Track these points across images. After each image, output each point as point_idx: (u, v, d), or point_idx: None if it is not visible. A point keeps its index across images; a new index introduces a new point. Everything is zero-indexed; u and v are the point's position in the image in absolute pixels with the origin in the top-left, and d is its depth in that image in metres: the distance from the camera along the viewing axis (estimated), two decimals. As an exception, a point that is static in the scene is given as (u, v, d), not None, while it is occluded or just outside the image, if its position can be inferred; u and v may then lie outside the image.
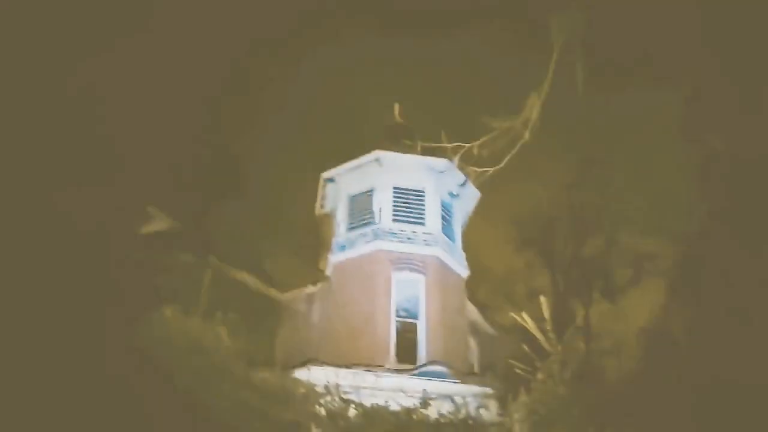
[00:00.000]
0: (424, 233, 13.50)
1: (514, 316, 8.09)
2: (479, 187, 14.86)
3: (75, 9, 10.81)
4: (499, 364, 11.55)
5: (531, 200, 17.66)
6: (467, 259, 14.28)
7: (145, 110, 12.89)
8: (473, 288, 14.84)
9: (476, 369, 13.19)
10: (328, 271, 13.54)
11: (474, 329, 13.79)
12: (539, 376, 7.42)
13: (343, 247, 13.59)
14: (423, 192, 13.90)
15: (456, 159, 13.62)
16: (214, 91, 14.78)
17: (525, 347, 7.79)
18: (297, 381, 9.96)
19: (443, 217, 14.01)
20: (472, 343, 13.71)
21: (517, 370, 7.82)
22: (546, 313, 7.71)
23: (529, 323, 7.71)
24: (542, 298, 7.66)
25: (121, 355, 8.06)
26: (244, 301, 13.35)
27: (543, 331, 7.62)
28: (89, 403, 7.16)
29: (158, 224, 12.27)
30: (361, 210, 13.83)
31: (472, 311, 14.06)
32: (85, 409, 7.11)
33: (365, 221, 13.62)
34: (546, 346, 7.56)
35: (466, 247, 14.61)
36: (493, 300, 16.38)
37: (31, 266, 8.07)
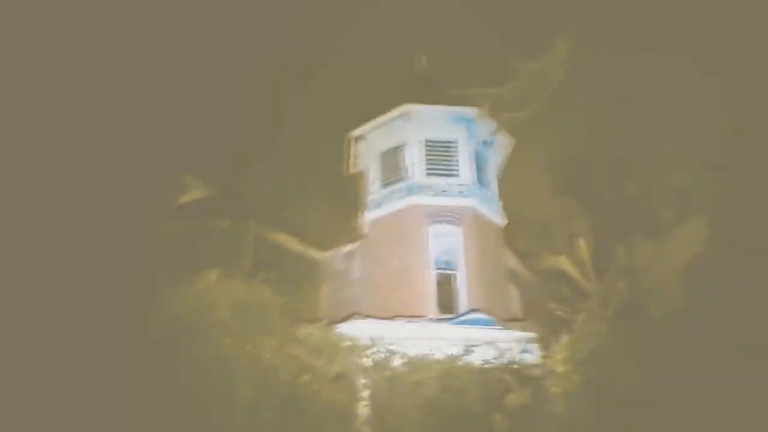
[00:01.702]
0: (458, 185, 13.41)
1: (554, 259, 8.03)
2: (513, 133, 14.60)
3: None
4: (540, 308, 11.55)
5: (566, 144, 17.21)
6: (504, 207, 14.16)
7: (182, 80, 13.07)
8: (512, 236, 14.75)
9: (518, 315, 13.24)
10: (365, 229, 13.67)
11: (514, 276, 13.76)
12: (581, 316, 7.39)
13: (378, 204, 13.66)
14: (455, 143, 13.72)
15: (486, 106, 13.37)
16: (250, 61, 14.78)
17: (566, 290, 7.76)
18: (341, 335, 10.22)
19: (477, 167, 13.85)
20: (513, 290, 13.72)
21: (559, 313, 7.81)
22: (585, 255, 7.63)
23: (569, 266, 7.65)
24: (581, 241, 7.56)
25: (166, 321, 8.43)
26: (285, 262, 13.69)
27: (583, 273, 7.56)
28: (134, 370, 7.54)
29: (196, 192, 12.57)
30: (393, 166, 13.79)
31: (511, 259, 14.01)
32: (129, 376, 7.50)
33: (398, 177, 13.59)
34: (586, 287, 7.51)
35: (503, 195, 14.47)
36: (532, 246, 16.20)
37: (75, 236, 8.42)
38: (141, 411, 7.29)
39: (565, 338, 7.47)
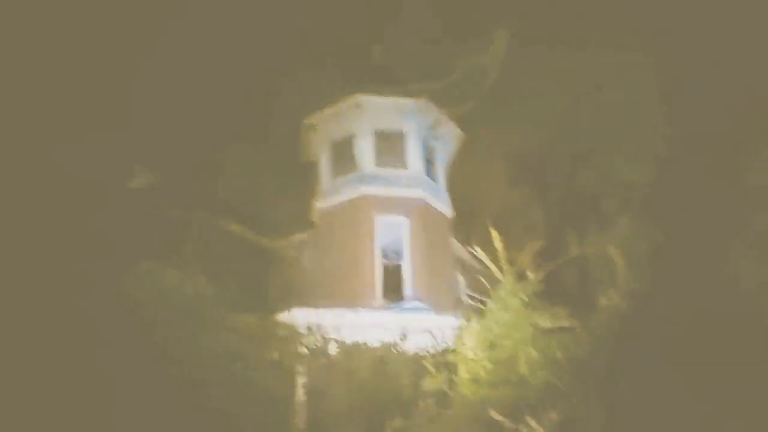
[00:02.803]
0: (406, 176, 13.59)
1: (471, 250, 8.28)
2: (464, 126, 14.80)
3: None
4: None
5: (521, 136, 17.48)
6: (459, 198, 14.38)
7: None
8: (467, 226, 15.00)
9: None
10: (315, 218, 13.81)
11: (462, 266, 14.02)
12: (491, 305, 7.67)
13: (329, 194, 13.79)
14: (404, 135, 13.88)
15: (433, 99, 13.54)
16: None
17: (482, 279, 8.03)
18: (278, 323, 10.38)
19: (427, 159, 14.04)
20: (461, 279, 13.98)
21: (471, 301, 8.09)
22: (497, 244, 7.88)
23: (483, 255, 7.91)
24: (492, 231, 7.83)
25: (103, 306, 8.49)
26: (233, 251, 13.78)
27: (495, 262, 7.82)
28: (69, 354, 7.61)
29: (143, 180, 12.56)
30: (343, 156, 13.92)
31: (460, 249, 14.27)
32: (65, 359, 7.57)
33: (348, 167, 13.73)
34: (498, 276, 7.79)
35: (455, 186, 14.68)
36: (484, 236, 16.49)
37: (20, 215, 8.39)
38: (70, 401, 7.37)
39: (475, 326, 7.73)
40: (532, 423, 6.49)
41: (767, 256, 8.16)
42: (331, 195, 13.70)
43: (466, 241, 13.96)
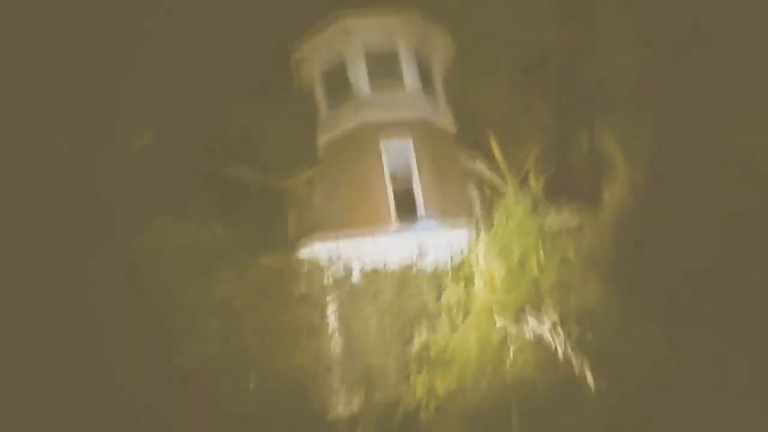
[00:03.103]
0: (404, 97, 13.40)
1: (471, 163, 8.31)
2: (458, 34, 14.34)
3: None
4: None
5: (519, 36, 16.85)
6: (461, 109, 14.20)
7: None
8: (472, 137, 14.89)
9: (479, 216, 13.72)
10: (320, 152, 13.87)
11: (472, 177, 14.09)
12: (497, 214, 7.83)
13: (329, 127, 13.74)
14: (397, 53, 13.54)
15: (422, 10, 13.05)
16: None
17: (487, 190, 8.14)
18: (301, 259, 10.77)
19: (423, 75, 13.75)
20: (475, 191, 14.10)
21: (478, 211, 8.25)
22: (498, 154, 7.91)
23: (483, 168, 7.98)
24: (492, 143, 7.83)
25: (116, 268, 8.83)
26: (251, 197, 14.03)
27: (498, 173, 7.89)
28: (81, 316, 8.01)
29: (146, 138, 12.67)
30: (338, 85, 13.71)
31: (468, 160, 14.27)
32: (77, 323, 7.97)
33: (344, 96, 13.56)
34: (501, 186, 7.90)
35: (458, 97, 14.45)
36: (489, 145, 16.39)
37: (25, 183, 8.58)
38: (100, 357, 7.89)
39: (483, 235, 7.94)
40: (548, 322, 6.82)
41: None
42: (332, 126, 13.65)
43: (472, 153, 13.94)
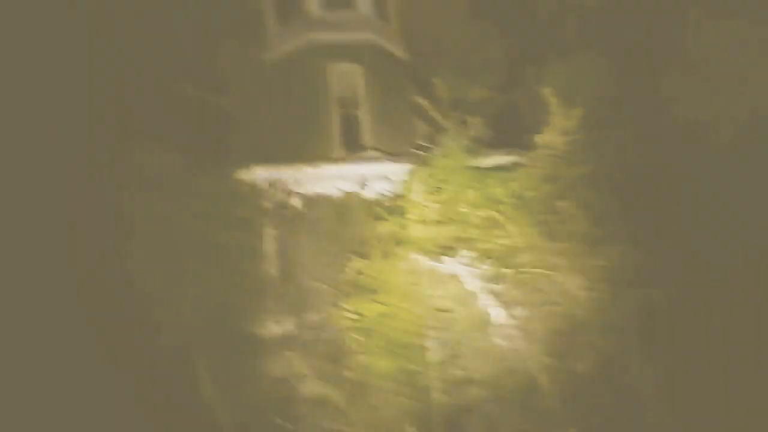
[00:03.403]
0: (356, 19, 12.93)
1: (418, 95, 8.31)
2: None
3: None
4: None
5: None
6: (416, 37, 13.85)
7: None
8: (424, 67, 14.66)
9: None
10: (266, 71, 13.37)
11: (420, 111, 14.02)
12: (437, 151, 7.98)
13: (275, 44, 13.18)
14: (350, -29, 12.91)
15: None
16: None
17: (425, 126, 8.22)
18: (240, 181, 10.68)
19: (376, -2, 13.23)
20: (419, 124, 14.07)
21: (416, 149, 8.37)
22: (441, 93, 7.95)
23: (425, 104, 8.02)
24: (437, 79, 7.85)
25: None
26: (194, 116, 13.53)
27: (440, 110, 7.95)
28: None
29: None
30: (288, 1, 13.04)
31: (417, 92, 14.13)
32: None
33: (293, 13, 12.94)
34: (443, 123, 7.99)
35: (413, 24, 14.05)
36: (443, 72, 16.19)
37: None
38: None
39: (422, 171, 8.10)
40: (468, 258, 7.17)
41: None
42: (279, 44, 13.10)
43: (422, 85, 13.79)
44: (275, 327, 9.70)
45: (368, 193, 10.49)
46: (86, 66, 11.98)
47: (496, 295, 7.30)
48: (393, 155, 11.86)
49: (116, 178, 9.54)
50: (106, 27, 13.08)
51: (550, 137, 7.80)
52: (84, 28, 12.41)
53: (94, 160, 9.46)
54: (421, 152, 8.45)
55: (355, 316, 8.25)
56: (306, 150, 12.41)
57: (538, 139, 8.06)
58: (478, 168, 7.66)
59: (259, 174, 10.98)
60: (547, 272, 7.34)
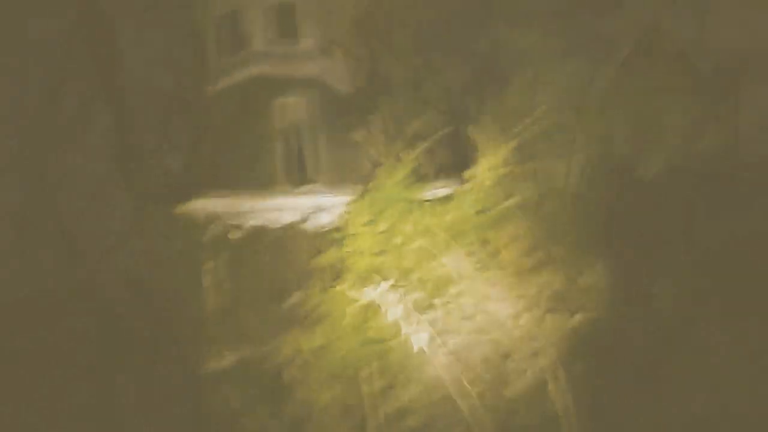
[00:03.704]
0: (300, 52, 13.15)
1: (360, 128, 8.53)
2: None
3: None
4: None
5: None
6: (359, 69, 14.14)
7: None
8: (367, 101, 14.94)
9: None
10: (208, 103, 13.36)
11: (360, 144, 14.26)
12: (372, 183, 8.19)
13: (220, 75, 13.21)
14: (294, 4, 13.14)
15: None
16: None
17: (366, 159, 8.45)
18: (181, 215, 10.56)
19: (322, 29, 13.49)
20: (361, 157, 14.28)
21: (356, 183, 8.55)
22: (377, 129, 8.22)
23: (365, 138, 8.27)
24: (374, 117, 8.13)
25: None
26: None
27: (375, 146, 8.23)
28: None
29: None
30: (230, 32, 13.14)
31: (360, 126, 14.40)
32: None
33: (237, 45, 13.05)
34: (380, 156, 8.24)
35: (357, 57, 14.36)
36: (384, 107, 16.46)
37: None
38: None
39: (361, 203, 8.30)
40: (400, 289, 7.31)
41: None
42: (222, 76, 13.14)
43: (363, 119, 14.08)
44: (213, 363, 9.52)
45: (309, 226, 10.55)
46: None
47: (430, 323, 7.46)
48: (334, 188, 12.01)
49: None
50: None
51: (482, 170, 8.16)
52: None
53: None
54: (360, 185, 8.61)
55: (294, 350, 8.21)
56: (248, 182, 12.42)
57: (471, 171, 8.40)
58: (413, 200, 7.89)
59: (200, 206, 10.88)
60: (478, 301, 7.56)
